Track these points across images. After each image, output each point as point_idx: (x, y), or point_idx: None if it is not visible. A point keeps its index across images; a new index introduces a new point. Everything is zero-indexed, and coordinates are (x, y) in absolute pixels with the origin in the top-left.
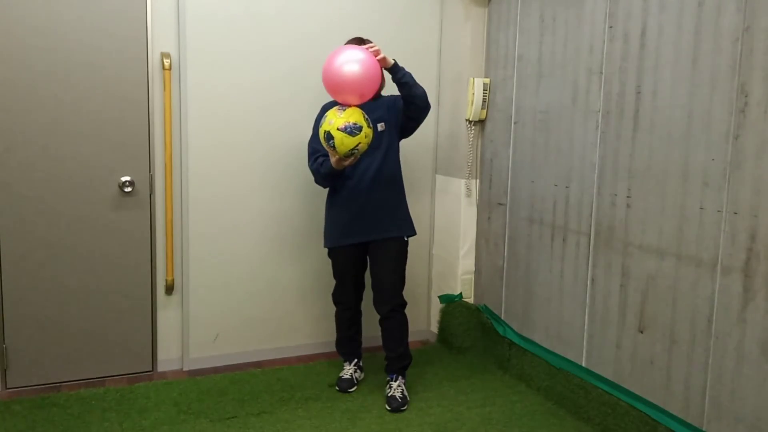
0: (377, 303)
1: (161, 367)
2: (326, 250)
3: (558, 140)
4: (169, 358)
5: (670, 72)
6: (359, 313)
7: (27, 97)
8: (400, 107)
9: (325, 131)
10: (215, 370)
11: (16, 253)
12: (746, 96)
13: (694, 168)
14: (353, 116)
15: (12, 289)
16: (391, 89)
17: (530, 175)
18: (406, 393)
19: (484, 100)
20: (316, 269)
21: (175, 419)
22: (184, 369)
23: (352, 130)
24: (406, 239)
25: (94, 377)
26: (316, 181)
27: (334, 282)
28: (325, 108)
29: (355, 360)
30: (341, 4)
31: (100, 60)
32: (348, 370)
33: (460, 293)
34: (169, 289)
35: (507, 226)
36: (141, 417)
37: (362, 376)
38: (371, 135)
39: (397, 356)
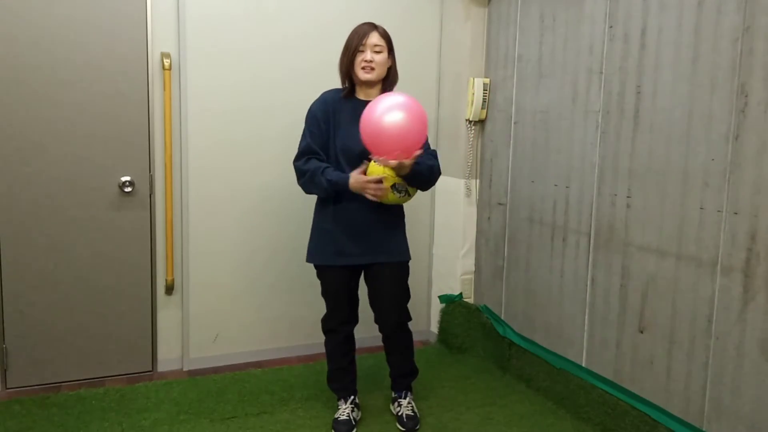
0: (381, 323)
1: (161, 367)
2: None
3: (558, 140)
4: (169, 358)
5: (670, 72)
6: (353, 338)
7: (27, 97)
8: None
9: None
10: (215, 370)
11: (16, 253)
12: (746, 96)
13: (694, 168)
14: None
15: (12, 289)
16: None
17: (530, 175)
18: (416, 409)
19: (484, 100)
20: None
21: (175, 419)
22: (184, 369)
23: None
24: (407, 261)
25: (94, 377)
26: (302, 184)
27: None
28: (325, 99)
29: (352, 397)
30: (341, 4)
31: (100, 60)
32: (344, 411)
33: (460, 293)
34: (169, 289)
35: (507, 226)
36: (141, 417)
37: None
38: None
39: (404, 374)
